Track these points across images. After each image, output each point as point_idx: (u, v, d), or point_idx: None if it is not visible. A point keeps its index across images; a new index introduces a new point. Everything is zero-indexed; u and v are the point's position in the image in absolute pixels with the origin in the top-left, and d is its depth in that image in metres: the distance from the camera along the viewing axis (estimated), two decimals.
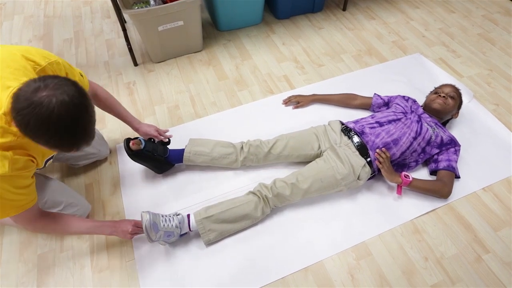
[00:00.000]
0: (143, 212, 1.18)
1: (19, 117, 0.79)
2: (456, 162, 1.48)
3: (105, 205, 1.45)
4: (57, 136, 0.82)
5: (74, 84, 0.84)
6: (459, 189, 1.48)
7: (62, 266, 1.28)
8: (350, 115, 1.73)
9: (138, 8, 1.91)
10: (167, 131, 1.53)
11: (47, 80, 0.81)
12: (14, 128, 0.85)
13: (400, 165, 1.49)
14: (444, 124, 1.64)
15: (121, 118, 1.41)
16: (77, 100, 0.82)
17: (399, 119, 1.47)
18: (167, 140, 1.51)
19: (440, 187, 1.42)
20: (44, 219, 1.09)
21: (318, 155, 1.48)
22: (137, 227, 1.22)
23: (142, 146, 1.38)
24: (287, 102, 1.82)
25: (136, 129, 1.44)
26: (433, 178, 1.50)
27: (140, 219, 1.21)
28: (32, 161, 0.97)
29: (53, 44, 2.22)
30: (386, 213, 1.41)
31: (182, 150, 1.48)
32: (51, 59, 1.02)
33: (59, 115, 0.79)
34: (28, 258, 1.30)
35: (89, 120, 0.87)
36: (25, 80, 0.86)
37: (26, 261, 1.30)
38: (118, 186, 1.50)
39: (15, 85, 0.88)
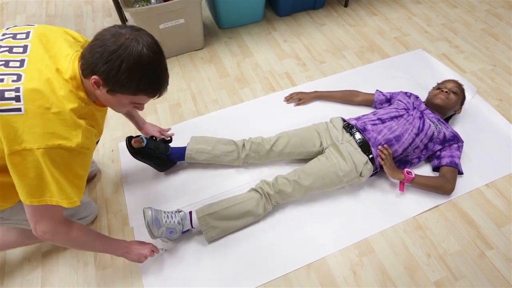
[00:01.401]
0: (145, 208, 1.19)
1: (109, 62, 0.78)
2: (459, 158, 1.47)
3: (107, 203, 1.46)
4: (148, 78, 0.83)
5: (144, 31, 0.84)
6: (462, 185, 1.47)
7: (66, 264, 1.29)
8: (352, 112, 1.72)
9: (139, 6, 1.91)
10: (169, 129, 1.53)
11: (122, 28, 0.81)
12: (82, 93, 0.85)
13: (402, 161, 1.48)
14: (447, 120, 1.63)
15: (128, 114, 1.41)
16: (156, 43, 0.84)
17: (401, 116, 1.46)
18: (169, 138, 1.51)
19: (443, 183, 1.41)
20: (64, 226, 0.95)
21: (320, 152, 1.48)
22: (153, 252, 1.19)
23: (144, 144, 1.38)
24: (288, 99, 1.82)
25: (140, 128, 1.45)
26: (436, 174, 1.49)
27: (144, 220, 1.21)
28: (95, 135, 0.93)
29: None
30: (388, 209, 1.41)
31: (184, 148, 1.48)
32: (85, 38, 1.03)
33: (149, 55, 0.80)
34: (32, 256, 1.31)
35: (166, 64, 0.89)
36: (78, 50, 0.88)
37: (31, 259, 1.31)
38: (121, 184, 1.51)
39: (71, 52, 0.88)
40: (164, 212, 1.23)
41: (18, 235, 1.17)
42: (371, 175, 1.44)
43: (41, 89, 0.79)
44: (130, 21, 2.32)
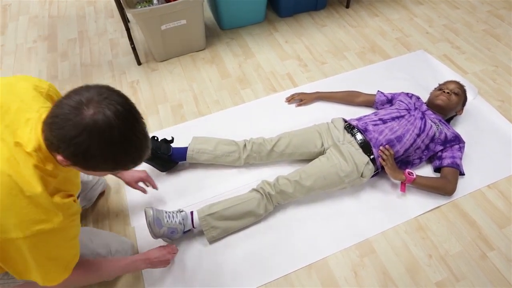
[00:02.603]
0: (146, 208, 1.19)
1: (73, 146, 0.67)
2: (461, 159, 1.47)
3: (109, 204, 1.46)
4: (124, 153, 0.71)
5: (111, 89, 0.72)
6: (464, 186, 1.47)
7: None
8: (353, 113, 1.72)
9: (141, 7, 1.92)
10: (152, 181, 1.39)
11: (81, 94, 0.68)
12: (49, 166, 0.74)
13: (403, 162, 1.48)
14: (448, 121, 1.63)
15: None
16: (127, 106, 0.71)
17: (402, 116, 1.46)
18: (171, 138, 1.51)
19: (444, 184, 1.41)
20: (76, 271, 0.88)
21: (321, 153, 1.48)
22: (174, 253, 1.20)
23: None
24: (290, 100, 1.82)
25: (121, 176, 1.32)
26: (437, 175, 1.49)
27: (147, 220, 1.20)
28: (75, 201, 0.82)
29: (57, 44, 2.24)
30: (389, 210, 1.41)
31: (186, 148, 1.48)
32: (47, 83, 0.89)
33: (120, 129, 0.68)
34: None
35: (143, 127, 0.75)
36: (42, 107, 0.75)
37: None
38: (122, 185, 1.52)
39: (32, 114, 0.75)
40: (166, 212, 1.23)
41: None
42: (372, 176, 1.44)
43: (6, 172, 0.68)
44: (133, 22, 2.34)
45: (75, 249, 0.86)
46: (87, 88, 0.71)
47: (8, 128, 0.73)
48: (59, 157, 0.71)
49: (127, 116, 0.70)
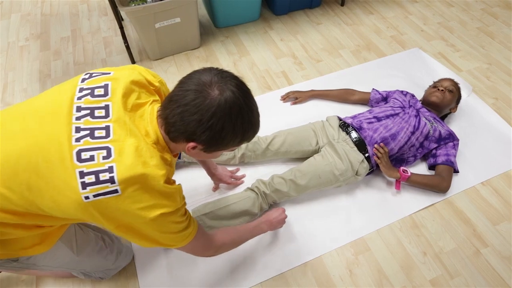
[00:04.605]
0: None
1: (209, 128, 0.70)
2: (455, 156, 1.47)
3: None
4: (250, 129, 0.77)
5: (216, 68, 0.76)
6: (458, 183, 1.48)
7: None
8: (348, 111, 1.72)
9: (134, 5, 1.90)
10: (238, 170, 1.51)
11: (197, 79, 0.72)
12: (168, 156, 0.78)
13: (398, 160, 1.49)
14: (443, 118, 1.64)
15: (201, 161, 1.35)
16: (240, 80, 0.76)
17: (397, 114, 1.47)
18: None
19: (439, 181, 1.42)
20: (214, 241, 0.97)
21: (316, 151, 1.48)
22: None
23: None
24: (285, 98, 1.82)
25: (212, 175, 1.38)
26: (432, 173, 1.50)
27: None
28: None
29: (50, 43, 2.22)
30: (384, 208, 1.41)
31: None
32: (159, 78, 0.91)
33: (244, 100, 0.73)
34: None
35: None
36: (153, 100, 0.79)
37: None
38: None
39: (146, 108, 0.78)
40: None
41: None
42: (367, 174, 1.44)
43: (133, 163, 0.70)
44: (126, 20, 2.31)
45: (191, 219, 0.90)
46: (196, 73, 0.75)
47: (133, 120, 0.76)
48: (191, 144, 0.74)
49: (245, 88, 0.75)
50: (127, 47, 2.00)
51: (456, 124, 1.69)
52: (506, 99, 1.82)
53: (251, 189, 1.35)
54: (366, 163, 1.38)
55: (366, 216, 1.39)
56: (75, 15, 2.43)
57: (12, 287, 1.23)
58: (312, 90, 1.82)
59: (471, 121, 1.71)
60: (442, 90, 1.52)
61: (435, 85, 1.58)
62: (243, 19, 2.30)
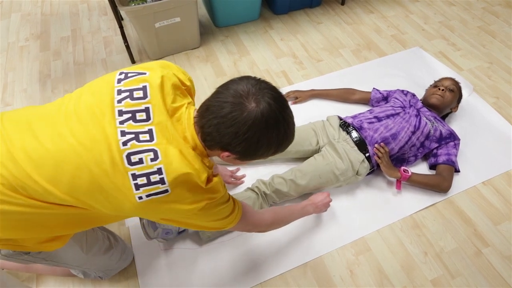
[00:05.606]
0: None
1: (245, 141, 0.72)
2: (456, 156, 1.47)
3: None
4: (285, 140, 0.78)
5: (254, 77, 0.77)
6: (459, 183, 1.47)
7: None
8: (349, 110, 1.72)
9: (134, 4, 1.89)
10: (238, 170, 1.51)
11: (234, 89, 0.73)
12: (206, 161, 0.80)
13: (399, 160, 1.48)
14: (444, 118, 1.63)
15: None
16: (276, 89, 0.76)
17: (397, 114, 1.46)
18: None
19: (440, 181, 1.41)
20: (264, 219, 1.02)
21: (317, 151, 1.47)
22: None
23: None
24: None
25: None
26: (433, 172, 1.49)
27: None
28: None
29: (50, 42, 2.21)
30: (385, 208, 1.40)
31: None
32: (188, 76, 0.92)
33: (279, 112, 0.73)
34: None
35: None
36: (188, 102, 0.81)
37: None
38: None
39: (183, 111, 0.80)
40: None
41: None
42: (368, 174, 1.44)
43: (180, 165, 0.73)
44: (126, 20, 2.31)
45: (235, 202, 0.92)
46: (233, 83, 0.76)
47: (173, 123, 0.77)
48: (225, 153, 0.77)
49: (281, 100, 0.75)
50: (127, 47, 1.99)
51: (457, 124, 1.68)
52: (507, 98, 1.82)
53: (251, 189, 1.35)
54: (366, 163, 1.38)
55: (367, 216, 1.38)
56: (75, 14, 2.42)
57: (13, 285, 1.23)
58: (312, 90, 1.81)
59: (472, 120, 1.71)
60: (443, 90, 1.51)
61: (436, 85, 1.58)
62: (243, 18, 2.29)
